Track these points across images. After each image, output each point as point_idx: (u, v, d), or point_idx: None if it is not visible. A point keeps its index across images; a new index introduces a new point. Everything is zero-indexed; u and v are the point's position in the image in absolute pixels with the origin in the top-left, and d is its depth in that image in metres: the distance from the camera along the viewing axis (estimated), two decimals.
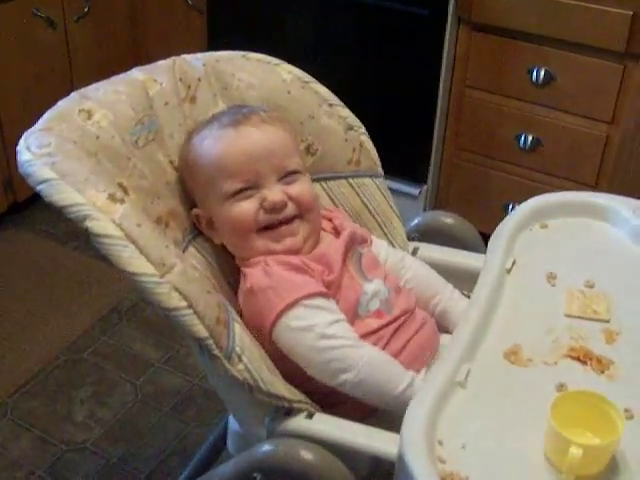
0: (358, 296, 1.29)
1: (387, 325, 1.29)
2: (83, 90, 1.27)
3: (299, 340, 1.20)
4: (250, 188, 1.27)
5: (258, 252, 1.28)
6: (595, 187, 2.35)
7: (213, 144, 1.29)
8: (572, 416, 0.98)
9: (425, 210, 2.64)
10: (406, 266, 1.45)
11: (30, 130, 1.16)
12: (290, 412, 1.17)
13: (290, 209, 1.29)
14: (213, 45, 2.62)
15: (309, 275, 1.24)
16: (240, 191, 1.27)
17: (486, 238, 1.39)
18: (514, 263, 1.30)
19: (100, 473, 1.95)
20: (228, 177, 1.26)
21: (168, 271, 1.07)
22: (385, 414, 1.23)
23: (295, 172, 1.31)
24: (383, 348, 1.27)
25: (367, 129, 1.51)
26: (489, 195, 2.56)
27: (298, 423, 1.16)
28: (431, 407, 1.02)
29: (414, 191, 2.62)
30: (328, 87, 1.49)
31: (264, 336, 1.22)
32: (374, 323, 1.28)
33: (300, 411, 1.18)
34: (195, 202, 1.33)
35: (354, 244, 1.34)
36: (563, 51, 2.25)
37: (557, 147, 2.37)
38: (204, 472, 1.74)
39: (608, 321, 1.20)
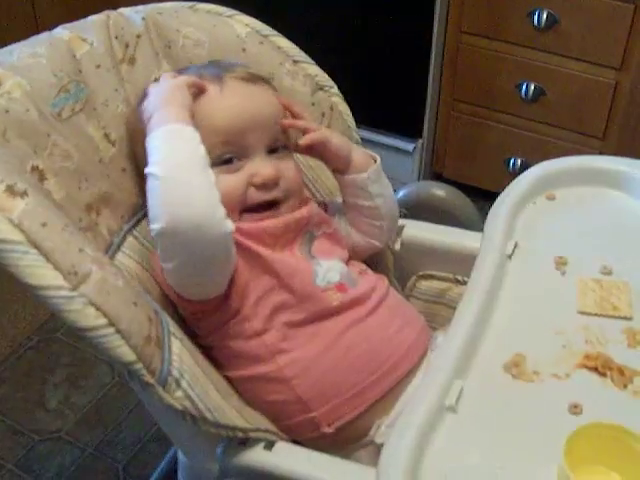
0: (310, 266, 1.15)
1: (358, 303, 1.15)
2: None
3: None
4: (237, 158, 1.14)
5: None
6: (603, 139, 2.29)
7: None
8: (593, 450, 0.87)
9: (421, 167, 2.58)
10: None
11: None
12: (246, 441, 1.03)
13: (280, 189, 1.17)
14: None
15: None
16: (225, 161, 1.14)
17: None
18: (516, 246, 1.19)
19: (75, 465, 1.86)
20: (212, 141, 1.10)
21: (82, 281, 0.89)
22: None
23: (285, 146, 1.20)
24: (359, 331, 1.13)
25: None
26: (489, 149, 2.49)
27: (255, 455, 1.02)
28: (413, 441, 0.89)
29: (408, 146, 2.54)
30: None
31: None
32: (337, 298, 1.13)
33: (258, 440, 1.04)
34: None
35: (303, 225, 1.20)
36: None
37: (561, 96, 2.29)
38: None
39: (631, 319, 1.08)
